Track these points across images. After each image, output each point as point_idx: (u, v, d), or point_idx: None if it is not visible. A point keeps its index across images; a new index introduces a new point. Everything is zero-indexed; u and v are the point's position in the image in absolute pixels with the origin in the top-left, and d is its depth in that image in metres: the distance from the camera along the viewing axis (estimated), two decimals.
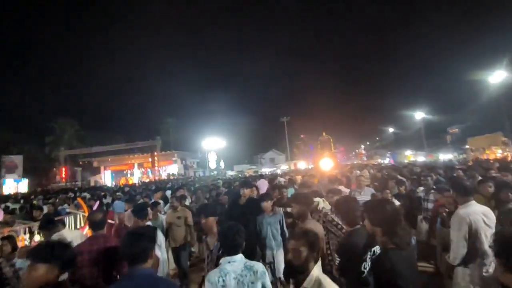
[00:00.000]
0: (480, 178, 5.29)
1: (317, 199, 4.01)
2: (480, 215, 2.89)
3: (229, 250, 2.30)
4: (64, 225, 4.36)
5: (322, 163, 12.42)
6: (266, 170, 34.58)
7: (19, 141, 37.59)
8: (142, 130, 42.71)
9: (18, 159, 33.17)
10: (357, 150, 69.50)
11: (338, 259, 2.62)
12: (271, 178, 11.42)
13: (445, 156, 32.88)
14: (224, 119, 49.18)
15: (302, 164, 38.66)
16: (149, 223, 3.89)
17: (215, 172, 39.14)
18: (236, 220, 3.05)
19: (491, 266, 2.74)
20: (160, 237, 4.06)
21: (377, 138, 73.10)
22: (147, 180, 33.19)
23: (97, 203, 6.48)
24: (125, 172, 42.16)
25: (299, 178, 10.19)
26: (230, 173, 38.50)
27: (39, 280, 1.77)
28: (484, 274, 2.76)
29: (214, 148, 41.38)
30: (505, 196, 3.69)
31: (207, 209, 3.54)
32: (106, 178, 38.63)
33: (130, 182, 32.49)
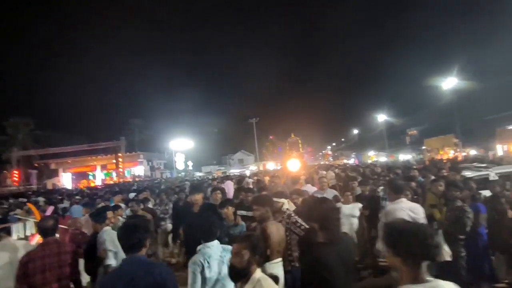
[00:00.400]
0: (432, 177, 5.65)
1: (282, 200, 4.04)
2: (406, 210, 3.19)
3: (207, 237, 2.60)
4: (9, 233, 3.98)
5: (289, 163, 12.61)
6: (234, 171, 34.49)
7: None
8: (106, 131, 40.82)
9: None
10: (324, 151, 71.61)
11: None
12: (239, 179, 11.38)
13: (404, 157, 34.82)
14: (192, 119, 48.50)
15: (270, 165, 39.05)
16: (108, 228, 3.68)
17: (183, 173, 38.37)
18: (192, 232, 3.01)
19: None
20: (117, 242, 3.87)
21: (342, 139, 75.78)
22: (111, 182, 31.76)
23: (51, 208, 6.05)
24: (86, 174, 40.10)
25: (266, 179, 10.25)
26: (198, 174, 37.92)
27: None
28: None
29: (181, 149, 40.54)
30: (452, 194, 3.97)
31: None
32: (65, 180, 36.42)
33: (92, 185, 30.90)
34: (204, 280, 2.44)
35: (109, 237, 3.44)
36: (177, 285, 2.04)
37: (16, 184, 30.98)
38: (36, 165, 37.11)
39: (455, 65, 24.09)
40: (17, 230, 4.42)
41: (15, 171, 32.13)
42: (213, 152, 52.95)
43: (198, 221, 3.75)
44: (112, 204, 5.83)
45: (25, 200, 12.08)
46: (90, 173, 40.18)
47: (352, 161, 43.33)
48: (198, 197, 4.45)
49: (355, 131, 64.65)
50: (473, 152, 24.85)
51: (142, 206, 5.82)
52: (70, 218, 5.99)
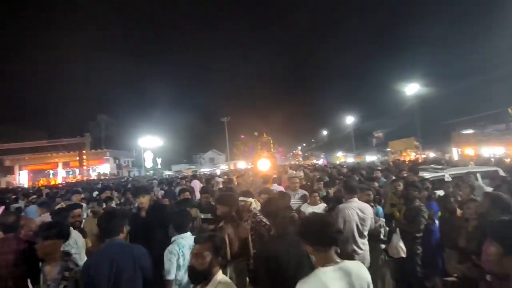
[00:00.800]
0: (393, 177, 5.94)
1: (249, 200, 4.05)
2: (355, 209, 3.48)
3: (180, 229, 2.87)
4: None
5: (260, 163, 12.67)
6: (205, 170, 34.10)
7: None
8: (70, 126, 38.72)
9: None
10: (294, 151, 72.80)
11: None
12: (208, 178, 11.26)
13: (370, 158, 36.28)
14: (162, 117, 47.33)
15: (241, 164, 39.06)
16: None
17: (151, 171, 37.34)
18: (139, 239, 2.92)
19: (358, 248, 3.42)
20: (80, 242, 3.68)
21: (312, 140, 77.59)
22: (73, 181, 30.17)
23: (1, 208, 5.61)
24: (46, 172, 37.80)
25: (235, 178, 10.23)
26: (167, 172, 37.08)
27: None
28: (353, 254, 3.40)
29: (150, 146, 39.39)
30: (411, 194, 4.20)
31: None
32: (21, 178, 34.09)
33: (52, 183, 29.18)
34: (178, 267, 2.67)
35: (72, 239, 3.29)
36: (151, 261, 2.32)
37: None
38: None
39: (418, 72, 25.49)
40: None
41: None
42: (184, 151, 52.07)
43: (145, 227, 3.52)
44: (71, 204, 5.52)
45: None
46: (50, 170, 37.95)
47: (321, 161, 44.44)
48: (144, 200, 3.92)
49: (325, 132, 66.37)
50: (432, 154, 26.41)
51: (104, 206, 5.58)
52: (24, 218, 5.61)
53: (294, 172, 10.87)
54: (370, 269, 2.45)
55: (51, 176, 37.12)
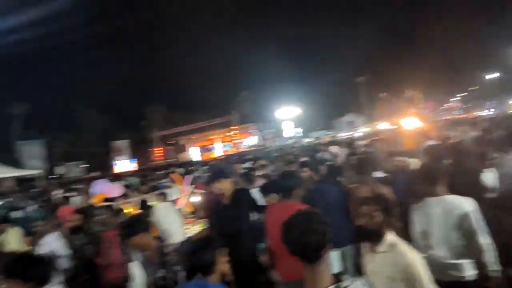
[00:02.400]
0: None
1: (406, 160, 3.77)
2: None
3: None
4: (165, 196, 5.09)
5: (407, 122, 11.36)
6: (344, 135, 33.27)
7: (123, 127, 44.04)
8: (220, 106, 45.01)
9: (124, 144, 38.90)
10: (447, 104, 60.70)
11: None
12: (349, 143, 10.94)
13: None
14: (298, 86, 48.30)
15: (384, 125, 35.99)
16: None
17: (292, 140, 39.42)
18: (222, 231, 2.82)
19: None
20: None
21: (471, 88, 61.80)
22: (229, 153, 35.41)
23: (189, 177, 7.27)
24: (207, 147, 45.58)
25: (377, 141, 9.51)
26: (306, 140, 38.34)
27: None
28: None
29: (289, 116, 41.51)
30: None
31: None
32: (193, 154, 42.42)
33: (213, 157, 35.19)
34: None
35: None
36: None
37: (159, 159, 38.32)
38: (171, 142, 44.60)
39: None
40: (170, 195, 5.54)
41: (158, 149, 39.70)
42: (321, 117, 52.14)
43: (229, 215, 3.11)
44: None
45: (168, 171, 14.77)
46: (210, 146, 45.51)
47: (488, 112, 35.59)
48: (224, 185, 3.30)
49: (489, 76, 52.32)
50: None
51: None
52: (201, 185, 7.15)
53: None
54: None
55: (211, 150, 44.58)
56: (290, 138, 42.31)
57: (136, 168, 33.75)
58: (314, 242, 1.31)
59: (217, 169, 4.55)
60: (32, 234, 4.49)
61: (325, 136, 39.73)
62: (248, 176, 4.85)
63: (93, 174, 30.05)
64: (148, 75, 56.67)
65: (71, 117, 43.90)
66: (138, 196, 6.75)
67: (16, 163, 27.48)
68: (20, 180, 24.07)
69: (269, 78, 53.90)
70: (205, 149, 43.98)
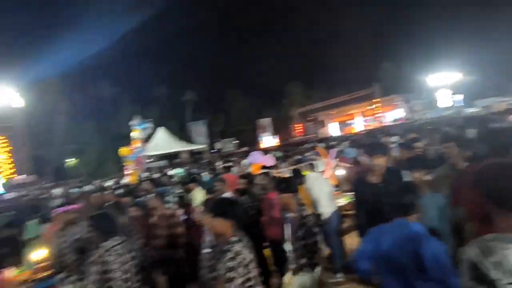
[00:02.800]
0: None
1: None
2: None
3: None
4: (313, 167, 5.44)
5: None
6: None
7: (266, 105, 48.27)
8: (361, 79, 42.48)
9: (267, 121, 42.60)
10: None
11: None
12: None
13: None
14: (457, 48, 39.83)
15: None
16: None
17: (450, 111, 33.20)
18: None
19: None
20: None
21: None
22: (370, 128, 33.36)
23: (333, 150, 7.43)
24: (347, 122, 44.16)
25: None
26: (469, 110, 31.39)
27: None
28: None
29: (444, 83, 34.89)
30: None
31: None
32: (332, 129, 42.11)
33: (353, 131, 33.91)
34: None
35: None
36: None
37: (299, 134, 40.10)
38: (310, 118, 45.67)
39: None
40: (316, 167, 5.85)
41: (298, 125, 41.54)
42: (491, 81, 41.42)
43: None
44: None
45: (311, 145, 15.37)
46: (350, 121, 43.92)
47: None
48: (380, 161, 3.05)
49: None
50: None
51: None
52: (344, 159, 7.16)
53: None
54: None
55: (352, 125, 42.98)
56: (447, 108, 35.74)
57: (278, 144, 36.55)
58: None
59: (373, 144, 4.35)
60: (211, 193, 5.68)
61: (498, 103, 31.23)
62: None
63: (243, 149, 34.57)
64: (288, 53, 58.77)
65: (226, 100, 51.15)
66: (286, 167, 7.46)
67: (189, 139, 34.68)
68: (191, 153, 30.30)
69: (414, 46, 46.54)
70: (344, 124, 42.90)
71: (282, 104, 50.17)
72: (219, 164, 13.46)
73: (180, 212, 4.89)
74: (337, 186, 6.09)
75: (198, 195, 6.00)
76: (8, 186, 20.91)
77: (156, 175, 13.02)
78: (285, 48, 60.30)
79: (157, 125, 23.89)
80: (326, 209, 4.66)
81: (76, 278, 3.27)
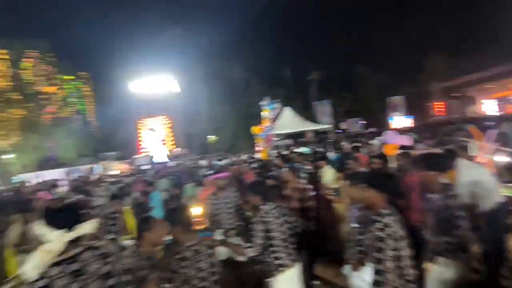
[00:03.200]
0: None
1: None
2: None
3: None
4: (466, 150, 4.71)
5: None
6: None
7: (398, 82, 43.20)
8: None
9: (399, 100, 38.29)
10: None
11: None
12: None
13: None
14: None
15: None
16: None
17: None
18: None
19: None
20: None
21: None
22: None
23: (492, 131, 6.25)
24: (508, 98, 35.09)
25: None
26: None
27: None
28: None
29: None
30: None
31: None
32: (487, 107, 34.35)
33: None
34: None
35: None
36: None
37: (440, 114, 34.41)
38: (455, 95, 38.52)
39: None
40: (470, 150, 5.01)
41: (438, 103, 35.66)
42: None
43: None
44: None
45: (454, 128, 13.18)
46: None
47: None
48: None
49: None
50: None
51: None
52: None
53: None
54: None
55: None
56: None
57: (412, 125, 32.48)
58: None
59: None
60: (341, 171, 5.70)
61: None
62: None
63: (371, 129, 32.36)
64: (428, 19, 50.43)
65: (352, 78, 48.41)
66: (424, 149, 6.70)
67: (313, 119, 34.87)
68: (316, 133, 30.43)
69: None
70: (505, 101, 34.35)
71: (418, 79, 43.71)
72: (345, 144, 13.15)
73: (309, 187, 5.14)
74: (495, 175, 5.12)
75: (328, 173, 6.15)
76: (170, 156, 26.52)
77: (284, 152, 13.79)
78: (424, 12, 51.60)
79: (283, 105, 24.94)
80: (490, 199, 3.97)
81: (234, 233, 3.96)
